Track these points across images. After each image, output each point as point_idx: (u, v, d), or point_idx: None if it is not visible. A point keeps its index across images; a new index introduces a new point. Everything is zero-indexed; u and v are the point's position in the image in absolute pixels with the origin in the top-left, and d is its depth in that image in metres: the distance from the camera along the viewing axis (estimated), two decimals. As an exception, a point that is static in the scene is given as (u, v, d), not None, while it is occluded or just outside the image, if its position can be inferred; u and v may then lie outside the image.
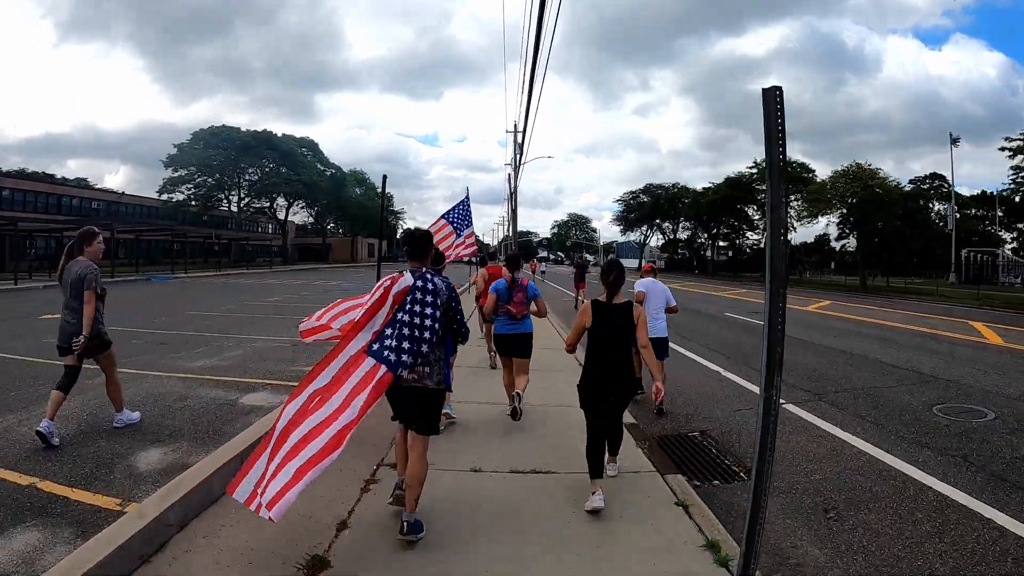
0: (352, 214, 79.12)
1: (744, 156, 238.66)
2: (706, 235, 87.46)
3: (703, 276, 67.98)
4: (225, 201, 63.63)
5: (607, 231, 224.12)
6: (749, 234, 71.86)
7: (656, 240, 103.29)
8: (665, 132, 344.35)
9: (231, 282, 33.67)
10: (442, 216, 9.62)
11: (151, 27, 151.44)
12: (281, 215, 71.59)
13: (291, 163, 61.59)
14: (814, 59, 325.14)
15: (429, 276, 3.78)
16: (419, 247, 3.99)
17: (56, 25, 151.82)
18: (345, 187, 71.37)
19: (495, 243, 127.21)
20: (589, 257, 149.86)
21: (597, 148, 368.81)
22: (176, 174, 57.36)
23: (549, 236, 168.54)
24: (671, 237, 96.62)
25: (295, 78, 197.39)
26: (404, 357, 3.53)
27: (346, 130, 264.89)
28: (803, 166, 57.25)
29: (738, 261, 77.39)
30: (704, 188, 71.74)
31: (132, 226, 45.01)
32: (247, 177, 59.93)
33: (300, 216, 77.82)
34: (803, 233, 64.05)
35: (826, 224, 51.47)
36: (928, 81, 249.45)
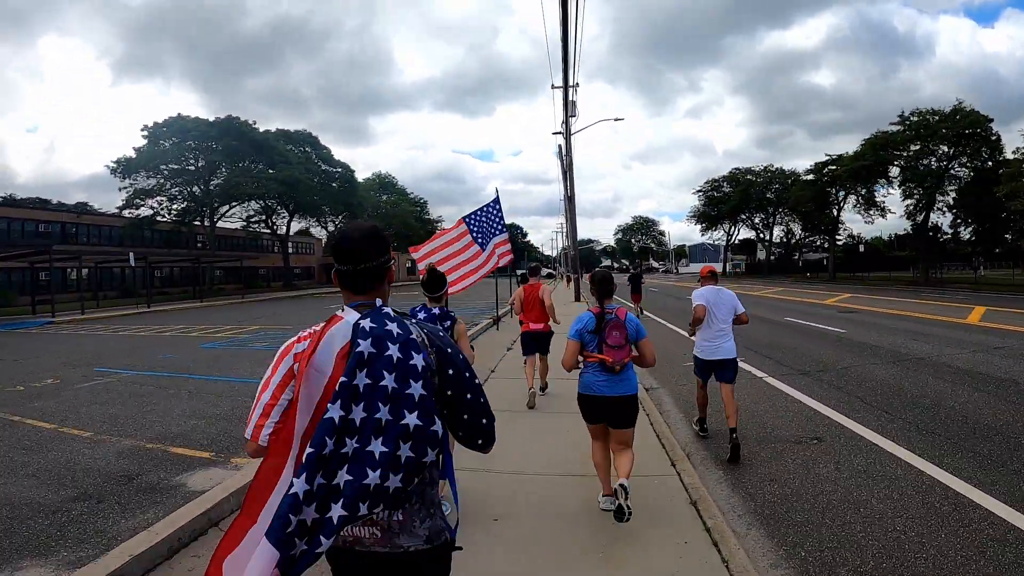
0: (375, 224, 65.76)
1: (800, 152, 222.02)
2: (804, 229, 70.39)
3: (816, 279, 51.42)
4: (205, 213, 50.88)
5: (675, 233, 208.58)
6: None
7: (742, 237, 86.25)
8: (719, 133, 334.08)
9: (94, 334, 20.22)
10: (463, 219, 7.93)
11: (203, 62, 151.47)
12: (294, 227, 59.11)
13: (267, 158, 47.87)
14: (866, 47, 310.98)
15: (392, 318, 1.69)
16: (358, 258, 1.74)
17: (111, 65, 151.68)
18: (356, 190, 57.38)
19: (555, 252, 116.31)
20: (657, 264, 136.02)
21: (652, 154, 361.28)
22: (126, 183, 44.40)
23: (613, 244, 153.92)
24: (761, 235, 79.24)
25: (348, 103, 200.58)
26: (337, 512, 1.50)
27: (403, 151, 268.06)
28: (975, 114, 39.68)
29: (859, 256, 58.85)
30: (822, 162, 54.25)
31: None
32: (213, 178, 46.44)
33: (313, 229, 64.99)
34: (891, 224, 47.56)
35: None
36: (984, 59, 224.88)
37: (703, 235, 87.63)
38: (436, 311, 4.42)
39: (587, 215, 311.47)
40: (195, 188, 47.34)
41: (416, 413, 1.61)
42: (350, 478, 1.52)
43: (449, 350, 1.77)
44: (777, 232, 77.71)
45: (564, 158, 28.69)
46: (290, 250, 70.38)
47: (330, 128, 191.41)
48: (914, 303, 22.30)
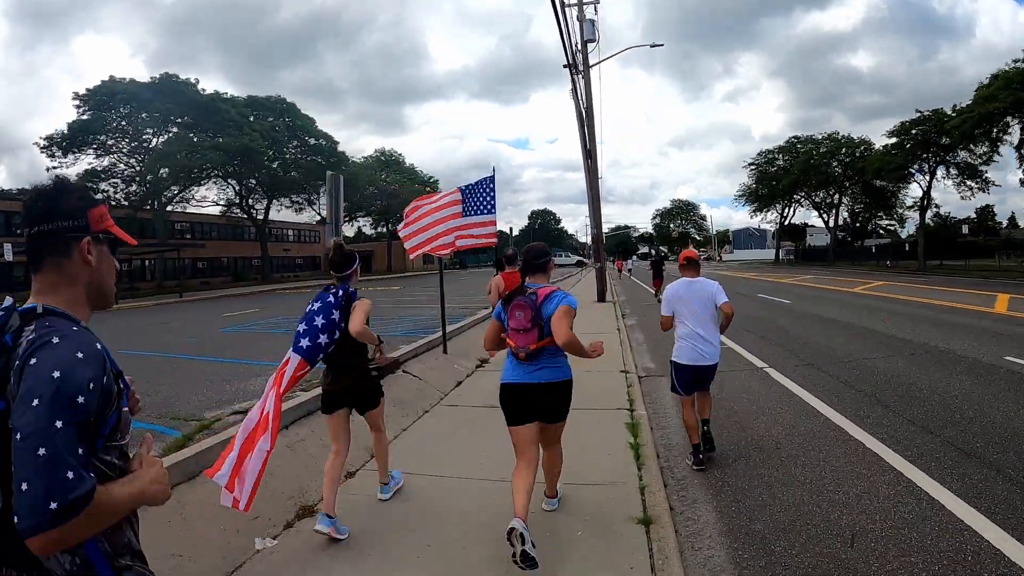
0: (378, 207, 57.58)
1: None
2: (877, 207, 60.25)
3: (902, 269, 41.28)
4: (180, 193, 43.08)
5: (715, 219, 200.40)
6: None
7: (795, 219, 75.80)
8: (756, 118, 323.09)
9: None
10: (459, 188, 8.15)
11: (238, 56, 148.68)
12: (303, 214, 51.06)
13: (213, 123, 38.81)
14: (905, 28, 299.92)
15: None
16: (29, 219, 1.40)
17: (146, 62, 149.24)
18: (341, 164, 48.74)
19: (583, 237, 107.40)
20: (701, 252, 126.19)
21: (689, 140, 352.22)
22: (55, 163, 36.68)
23: (651, 230, 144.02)
24: (824, 215, 68.30)
25: (383, 94, 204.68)
26: None
27: (438, 140, 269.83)
28: None
29: (943, 242, 46.92)
30: (912, 120, 43.48)
31: None
32: (149, 146, 38.17)
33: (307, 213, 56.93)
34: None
35: None
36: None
37: (753, 217, 77.19)
38: (331, 293, 3.77)
39: (624, 202, 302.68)
40: (138, 157, 39.41)
41: None
42: None
43: (32, 360, 1.20)
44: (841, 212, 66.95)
45: (579, 96, 19.74)
46: (290, 238, 63.13)
47: (366, 119, 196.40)
48: None
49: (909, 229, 66.99)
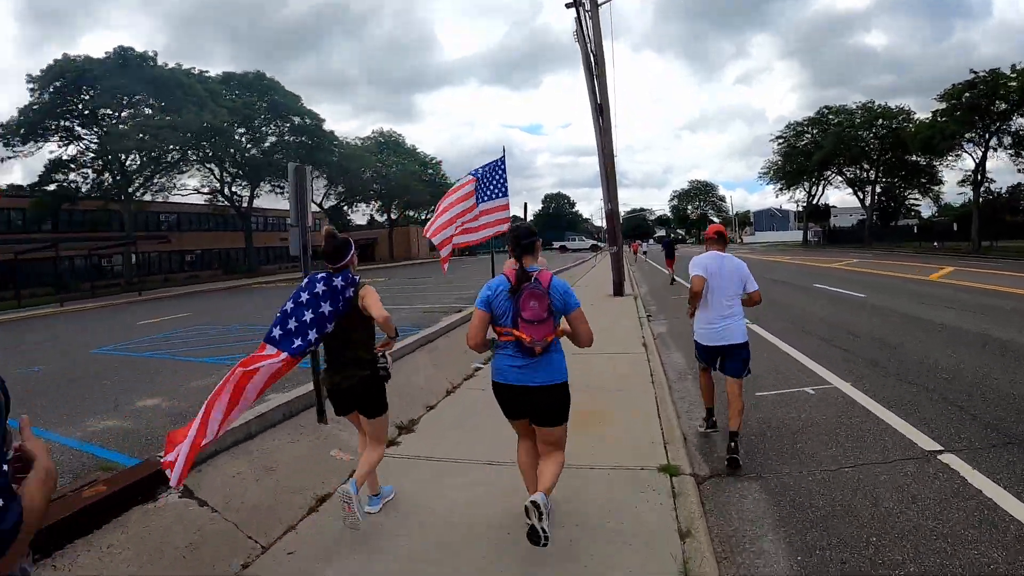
0: (377, 191, 53.84)
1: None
2: (910, 184, 55.98)
3: (956, 252, 36.72)
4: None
5: (734, 199, 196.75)
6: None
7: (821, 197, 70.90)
8: (770, 99, 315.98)
9: None
10: (471, 173, 7.75)
11: (247, 50, 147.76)
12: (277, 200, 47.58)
13: (172, 99, 34.27)
14: (918, 6, 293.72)
15: None
16: None
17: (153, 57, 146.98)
18: (325, 143, 44.65)
19: (600, 221, 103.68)
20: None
21: (702, 123, 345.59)
22: (8, 152, 32.79)
23: (668, 211, 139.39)
24: (858, 192, 63.16)
25: (393, 83, 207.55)
26: None
27: (450, 127, 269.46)
28: None
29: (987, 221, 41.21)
30: (966, 81, 38.70)
31: None
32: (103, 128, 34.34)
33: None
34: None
35: None
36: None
37: (779, 196, 72.23)
38: (324, 283, 3.44)
39: (638, 186, 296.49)
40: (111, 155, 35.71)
41: None
42: None
43: None
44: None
45: (587, 37, 15.63)
46: (287, 226, 59.50)
47: (376, 108, 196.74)
48: None
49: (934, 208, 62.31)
